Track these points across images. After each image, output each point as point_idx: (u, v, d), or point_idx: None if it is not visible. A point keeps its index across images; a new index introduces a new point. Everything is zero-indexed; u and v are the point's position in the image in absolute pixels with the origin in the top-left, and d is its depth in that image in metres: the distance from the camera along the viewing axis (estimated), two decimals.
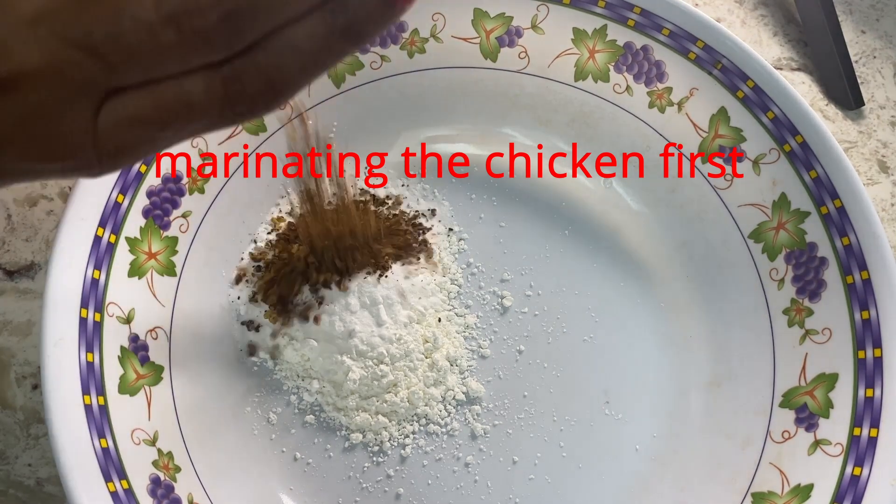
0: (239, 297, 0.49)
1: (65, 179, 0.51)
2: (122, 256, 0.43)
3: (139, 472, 0.40)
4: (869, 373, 0.44)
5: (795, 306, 0.47)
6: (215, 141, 0.47)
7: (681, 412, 0.49)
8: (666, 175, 0.52)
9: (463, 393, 0.49)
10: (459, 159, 0.54)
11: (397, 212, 0.52)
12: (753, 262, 0.49)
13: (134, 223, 0.44)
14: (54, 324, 0.39)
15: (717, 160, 0.50)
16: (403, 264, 0.50)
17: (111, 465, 0.39)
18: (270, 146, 0.49)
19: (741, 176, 0.49)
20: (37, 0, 0.23)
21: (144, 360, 0.43)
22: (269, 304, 0.48)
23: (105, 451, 0.39)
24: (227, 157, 0.48)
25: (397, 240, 0.50)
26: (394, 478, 0.47)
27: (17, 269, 0.51)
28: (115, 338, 0.42)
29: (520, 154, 0.54)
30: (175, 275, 0.46)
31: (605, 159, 0.53)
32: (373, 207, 0.51)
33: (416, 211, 0.53)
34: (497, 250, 0.53)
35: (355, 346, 0.47)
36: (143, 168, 0.44)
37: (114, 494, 0.38)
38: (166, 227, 0.46)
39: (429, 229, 0.52)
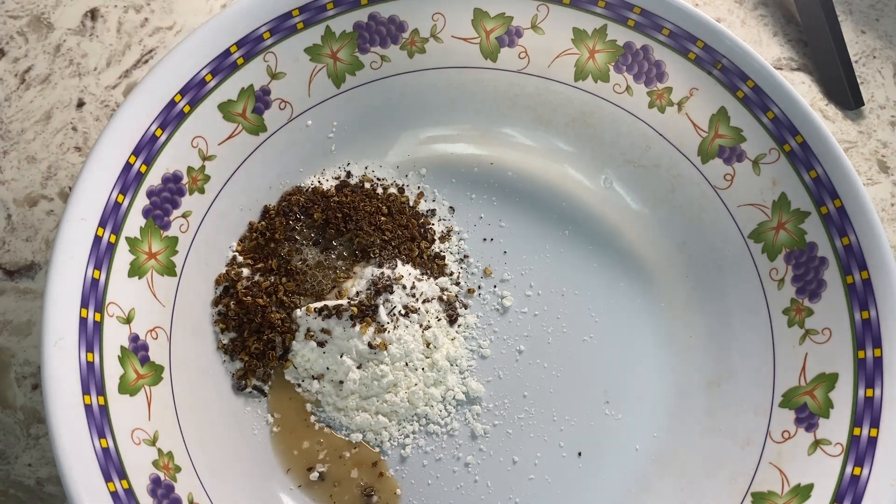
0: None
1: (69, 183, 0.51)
2: (122, 256, 0.43)
3: (139, 472, 0.40)
4: (869, 373, 0.44)
5: (795, 306, 0.47)
6: (215, 141, 0.47)
7: (681, 412, 0.49)
8: (665, 175, 0.52)
9: (463, 393, 0.49)
10: (459, 159, 0.54)
11: (396, 212, 0.52)
12: (753, 262, 0.49)
13: (134, 223, 0.44)
14: (54, 324, 0.39)
15: (717, 160, 0.50)
16: (404, 263, 0.50)
17: (111, 465, 0.39)
18: (270, 146, 0.49)
19: (741, 176, 0.49)
20: None
21: (144, 360, 0.43)
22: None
23: (105, 451, 0.39)
24: (228, 158, 0.48)
25: (399, 241, 0.50)
26: (394, 477, 0.47)
27: (17, 269, 0.51)
28: (115, 338, 0.42)
29: (520, 154, 0.54)
30: (175, 275, 0.46)
31: (605, 159, 0.53)
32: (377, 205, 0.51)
33: (417, 211, 0.53)
34: (497, 250, 0.53)
35: (355, 346, 0.47)
36: (144, 168, 0.44)
37: (114, 494, 0.38)
38: (166, 227, 0.46)
39: (430, 229, 0.52)
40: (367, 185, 0.52)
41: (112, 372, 0.41)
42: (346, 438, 0.48)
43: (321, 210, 0.50)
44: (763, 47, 0.59)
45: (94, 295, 0.41)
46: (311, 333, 0.48)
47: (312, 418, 0.48)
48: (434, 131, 0.54)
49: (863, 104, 0.57)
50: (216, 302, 0.48)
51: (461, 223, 0.53)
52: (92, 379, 0.40)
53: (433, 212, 0.53)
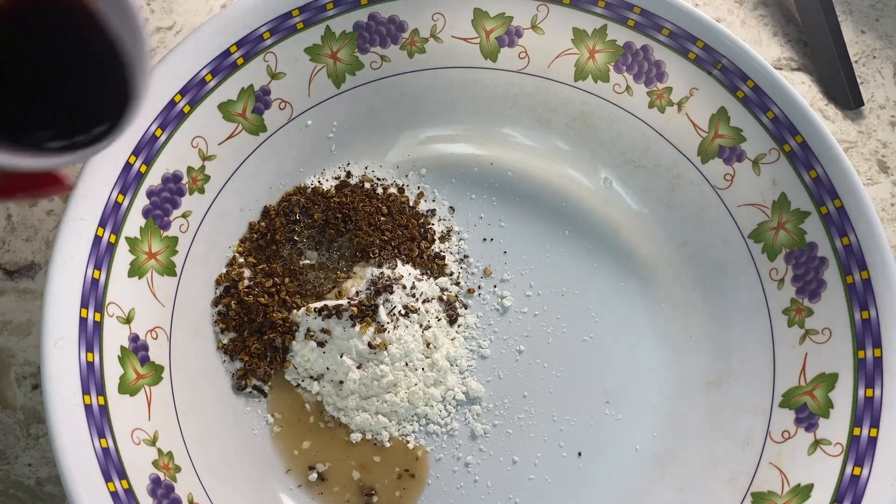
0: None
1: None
2: (122, 256, 0.43)
3: (139, 472, 0.40)
4: (869, 373, 0.44)
5: (795, 306, 0.47)
6: (215, 141, 0.47)
7: (681, 412, 0.49)
8: (666, 175, 0.52)
9: (463, 393, 0.49)
10: (459, 159, 0.54)
11: (396, 212, 0.52)
12: (753, 262, 0.49)
13: (134, 223, 0.44)
14: (54, 324, 0.39)
15: (717, 160, 0.50)
16: (404, 263, 0.50)
17: (111, 465, 0.39)
18: (270, 146, 0.49)
19: (741, 176, 0.49)
20: None
21: (144, 360, 0.43)
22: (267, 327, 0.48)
23: (105, 451, 0.39)
24: (228, 158, 0.48)
25: (399, 241, 0.50)
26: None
27: (17, 269, 0.51)
28: (115, 338, 0.42)
29: (520, 154, 0.54)
30: (175, 275, 0.46)
31: (605, 159, 0.53)
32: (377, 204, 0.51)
33: (417, 211, 0.53)
34: (497, 250, 0.53)
35: (355, 346, 0.47)
36: (144, 168, 0.44)
37: (114, 494, 0.39)
38: (166, 227, 0.46)
39: (430, 229, 0.52)
40: (367, 185, 0.52)
41: (112, 372, 0.41)
42: (347, 439, 0.48)
43: (321, 210, 0.50)
44: (763, 47, 0.59)
45: (94, 295, 0.41)
46: (311, 333, 0.48)
47: (311, 419, 0.48)
48: (434, 131, 0.54)
49: (863, 104, 0.57)
50: (216, 302, 0.48)
51: (461, 223, 0.53)
52: (92, 379, 0.40)
53: (433, 212, 0.53)
